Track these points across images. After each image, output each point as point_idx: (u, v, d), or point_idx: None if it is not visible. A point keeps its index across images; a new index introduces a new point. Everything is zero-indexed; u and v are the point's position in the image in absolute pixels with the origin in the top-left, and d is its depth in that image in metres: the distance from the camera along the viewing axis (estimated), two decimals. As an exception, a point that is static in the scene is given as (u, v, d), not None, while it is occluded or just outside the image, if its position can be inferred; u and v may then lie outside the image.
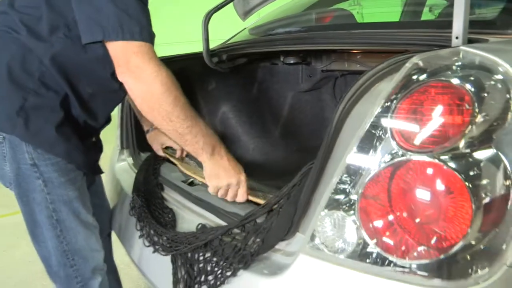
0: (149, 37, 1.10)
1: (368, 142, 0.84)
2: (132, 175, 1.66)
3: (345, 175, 0.86)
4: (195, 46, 2.03)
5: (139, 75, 1.08)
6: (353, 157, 0.85)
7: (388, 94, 0.83)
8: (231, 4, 1.92)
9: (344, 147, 0.88)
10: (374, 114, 0.83)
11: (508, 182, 0.75)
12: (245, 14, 2.06)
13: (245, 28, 2.17)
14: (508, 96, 0.78)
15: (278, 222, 1.00)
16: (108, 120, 1.37)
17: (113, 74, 1.15)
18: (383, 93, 0.84)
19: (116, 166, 1.83)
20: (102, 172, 1.45)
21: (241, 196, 1.26)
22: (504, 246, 0.75)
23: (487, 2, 1.30)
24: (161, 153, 1.67)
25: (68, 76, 1.18)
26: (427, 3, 2.32)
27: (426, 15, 2.24)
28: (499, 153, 0.76)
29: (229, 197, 1.26)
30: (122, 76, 1.11)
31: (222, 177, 1.24)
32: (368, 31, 1.49)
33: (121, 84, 1.16)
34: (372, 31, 1.46)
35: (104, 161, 1.47)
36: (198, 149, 1.21)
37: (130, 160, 1.83)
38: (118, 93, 1.29)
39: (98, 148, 1.41)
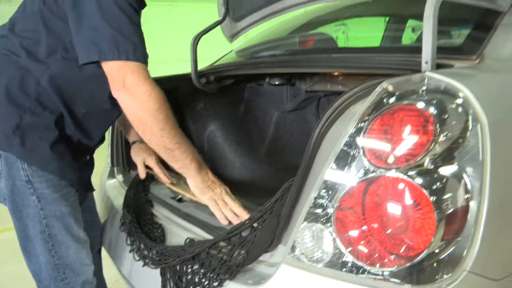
0: (143, 57, 1.17)
1: (343, 159, 0.91)
2: (122, 192, 1.71)
3: (323, 190, 0.93)
4: (184, 65, 2.11)
5: (135, 92, 1.14)
6: (330, 174, 0.93)
7: (361, 115, 0.91)
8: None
9: (321, 164, 0.95)
10: (348, 134, 0.91)
11: (467, 196, 0.83)
12: (232, 37, 2.14)
13: (232, 50, 2.25)
14: (467, 117, 0.86)
15: (261, 235, 1.06)
16: (102, 139, 1.43)
17: (107, 94, 1.21)
18: (356, 115, 0.92)
19: (107, 183, 1.88)
20: (93, 190, 1.50)
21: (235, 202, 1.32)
22: (464, 254, 0.82)
23: (454, 29, 1.40)
24: (142, 174, 1.65)
25: (64, 96, 1.24)
26: (408, 24, 2.44)
27: (408, 34, 2.36)
28: (460, 169, 0.84)
29: (230, 203, 1.31)
30: (117, 93, 1.16)
31: (213, 186, 1.33)
32: (348, 55, 1.58)
33: (114, 104, 1.22)
34: (352, 55, 1.55)
35: (94, 178, 1.52)
36: (187, 164, 1.28)
37: (120, 177, 1.88)
38: (111, 112, 1.35)
39: (91, 165, 1.47)
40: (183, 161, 1.27)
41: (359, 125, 0.91)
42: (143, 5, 1.31)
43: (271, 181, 2.07)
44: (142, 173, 1.65)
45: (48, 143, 1.22)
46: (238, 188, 1.42)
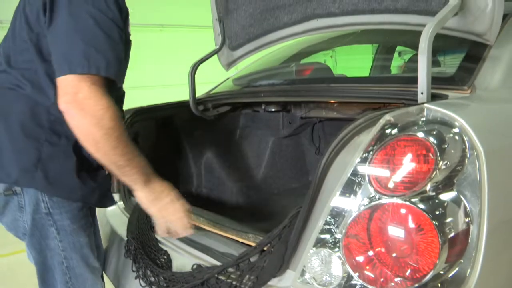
0: (114, 73, 1.14)
1: (350, 188, 0.96)
2: (123, 218, 1.73)
3: (330, 217, 0.98)
4: (176, 89, 2.15)
5: (87, 107, 1.09)
6: (337, 201, 0.98)
7: (365, 146, 0.97)
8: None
9: (328, 192, 1.00)
10: (354, 163, 0.97)
11: (468, 219, 0.89)
12: (229, 65, 2.20)
13: (228, 78, 2.32)
14: (464, 146, 0.93)
15: (270, 260, 1.10)
16: None
17: None
18: (361, 145, 0.98)
19: (108, 210, 1.90)
20: (115, 203, 1.50)
21: (185, 209, 1.31)
22: (467, 274, 0.88)
23: (446, 60, 1.49)
24: None
25: None
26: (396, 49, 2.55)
27: (397, 61, 2.46)
28: (460, 194, 0.90)
29: (178, 212, 1.30)
30: (67, 105, 1.10)
31: (161, 197, 1.29)
32: (347, 85, 1.65)
33: None
34: (350, 85, 1.62)
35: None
36: (135, 179, 1.24)
37: (121, 204, 1.90)
38: None
39: (109, 179, 1.45)
40: (131, 176, 1.23)
41: (364, 155, 0.96)
42: (124, 8, 1.25)
43: (268, 206, 2.12)
44: None
45: (70, 172, 1.23)
46: (236, 213, 1.44)
